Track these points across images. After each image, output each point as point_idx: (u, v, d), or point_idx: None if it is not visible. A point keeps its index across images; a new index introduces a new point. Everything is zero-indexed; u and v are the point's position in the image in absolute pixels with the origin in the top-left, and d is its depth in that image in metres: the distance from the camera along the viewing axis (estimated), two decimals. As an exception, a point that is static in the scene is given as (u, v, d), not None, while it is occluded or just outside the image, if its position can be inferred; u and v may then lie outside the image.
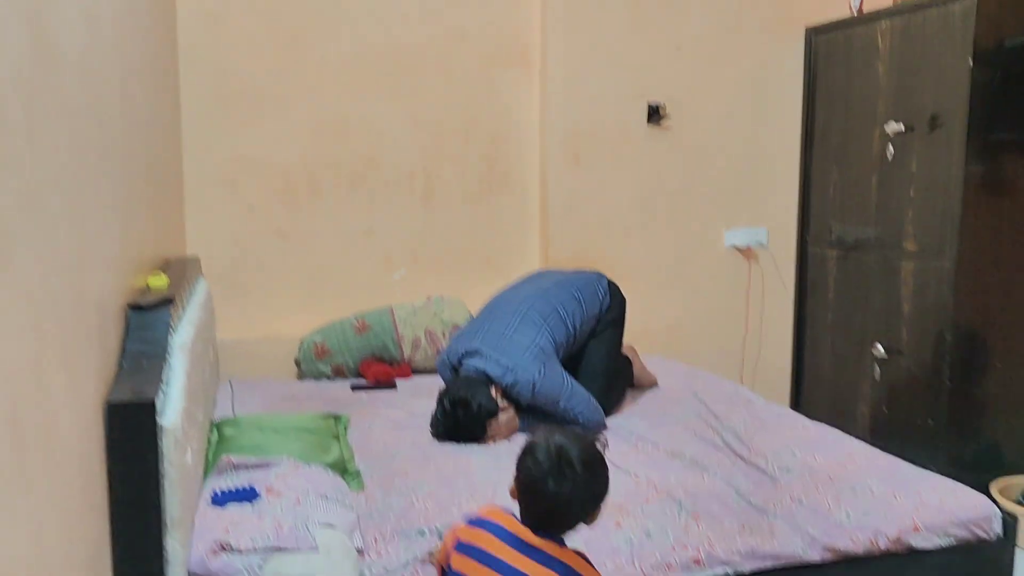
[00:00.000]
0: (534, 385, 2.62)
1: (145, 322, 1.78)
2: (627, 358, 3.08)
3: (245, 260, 3.51)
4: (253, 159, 3.47)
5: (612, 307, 3.00)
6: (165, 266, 2.54)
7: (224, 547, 1.70)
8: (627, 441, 2.59)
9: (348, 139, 3.55)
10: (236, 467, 2.17)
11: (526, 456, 1.57)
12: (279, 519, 1.86)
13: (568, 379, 2.71)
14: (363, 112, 3.55)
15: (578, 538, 1.88)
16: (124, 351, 1.73)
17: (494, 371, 2.65)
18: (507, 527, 1.58)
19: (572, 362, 2.85)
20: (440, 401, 2.63)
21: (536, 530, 1.55)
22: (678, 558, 1.83)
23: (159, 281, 2.13)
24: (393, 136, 3.60)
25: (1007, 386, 3.27)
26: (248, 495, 1.98)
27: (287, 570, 1.71)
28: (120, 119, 1.88)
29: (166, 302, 1.82)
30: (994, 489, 3.15)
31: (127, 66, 2.04)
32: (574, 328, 2.83)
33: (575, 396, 2.70)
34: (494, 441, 2.57)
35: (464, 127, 3.68)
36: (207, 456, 2.28)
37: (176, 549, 1.61)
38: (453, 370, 2.83)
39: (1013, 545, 2.07)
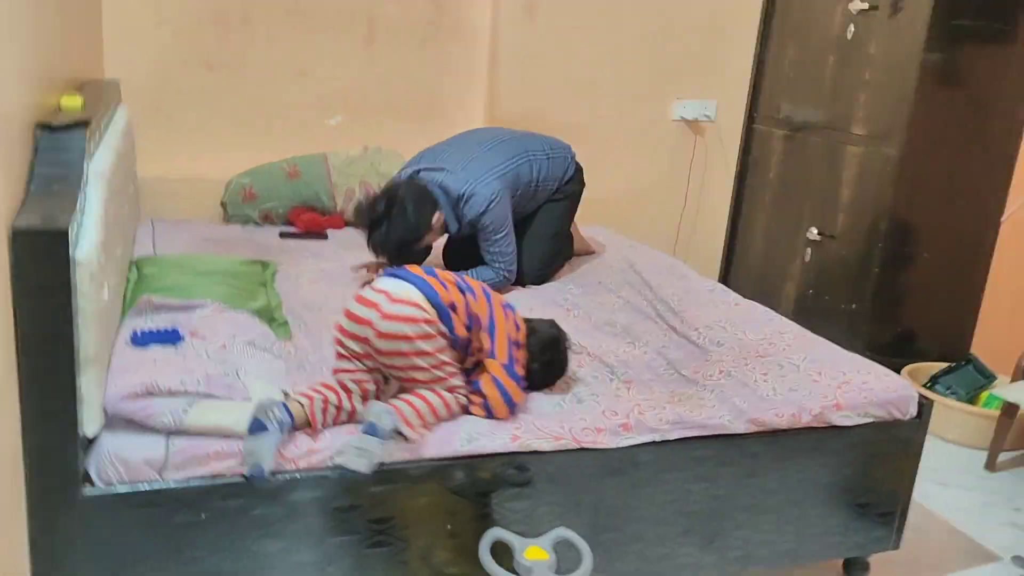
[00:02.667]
0: (490, 203, 2.60)
1: (57, 144, 1.62)
2: (570, 232, 3.03)
3: (168, 90, 3.27)
4: (179, -22, 3.17)
5: (575, 180, 2.96)
6: (80, 88, 2.33)
7: (150, 389, 1.62)
8: (561, 307, 2.57)
9: (282, -36, 3.26)
10: (157, 308, 2.07)
11: None
12: (206, 364, 1.78)
13: (511, 223, 2.69)
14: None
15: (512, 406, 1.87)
16: (32, 174, 1.57)
17: (453, 184, 2.61)
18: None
19: (521, 223, 2.79)
20: (379, 193, 2.56)
21: None
22: (607, 423, 1.84)
23: (73, 102, 1.94)
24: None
25: (930, 276, 3.36)
26: (171, 336, 1.89)
27: (213, 417, 1.66)
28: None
29: (81, 124, 1.65)
30: (905, 373, 3.28)
31: None
32: (536, 179, 2.78)
33: (510, 244, 2.68)
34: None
35: (412, -36, 3.42)
36: (125, 295, 2.17)
37: (91, 389, 1.53)
38: None
39: (926, 426, 2.15)
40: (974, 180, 3.30)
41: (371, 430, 1.64)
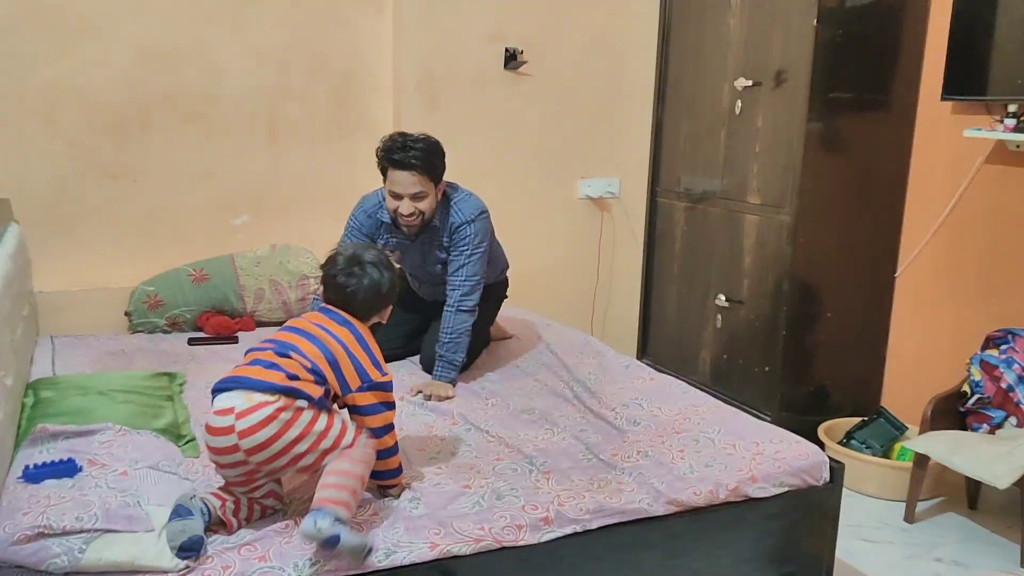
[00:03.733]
0: (481, 213, 2.68)
1: (-66, 281, 1.56)
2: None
3: (66, 202, 3.20)
4: (72, 88, 3.13)
5: (504, 284, 3.07)
6: (-35, 211, 2.26)
7: (43, 531, 1.54)
8: (479, 396, 2.56)
9: (182, 71, 3.27)
10: (54, 435, 1.98)
11: (327, 262, 1.97)
12: (105, 496, 1.71)
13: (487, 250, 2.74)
14: (198, 41, 3.27)
15: (430, 509, 1.84)
16: (-93, 315, 1.51)
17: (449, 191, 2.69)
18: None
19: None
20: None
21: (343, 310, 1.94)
22: (528, 519, 1.83)
23: (-46, 231, 1.88)
24: (233, 70, 3.34)
25: (835, 334, 3.48)
26: (67, 469, 1.81)
27: (111, 553, 1.58)
28: None
29: (-40, 257, 1.60)
30: (821, 431, 3.36)
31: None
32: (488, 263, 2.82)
33: (482, 267, 2.69)
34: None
35: (312, 64, 3.47)
36: (19, 424, 2.07)
37: (-24, 536, 1.44)
38: None
39: (840, 490, 2.20)
40: (866, 239, 3.45)
41: (330, 543, 1.60)
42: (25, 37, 3.05)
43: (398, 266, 2.67)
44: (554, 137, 3.85)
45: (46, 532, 1.55)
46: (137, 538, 1.60)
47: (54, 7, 3.06)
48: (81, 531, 1.56)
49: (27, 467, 1.78)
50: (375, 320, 2.00)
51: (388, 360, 2.78)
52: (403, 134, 2.60)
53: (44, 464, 1.80)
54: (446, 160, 2.65)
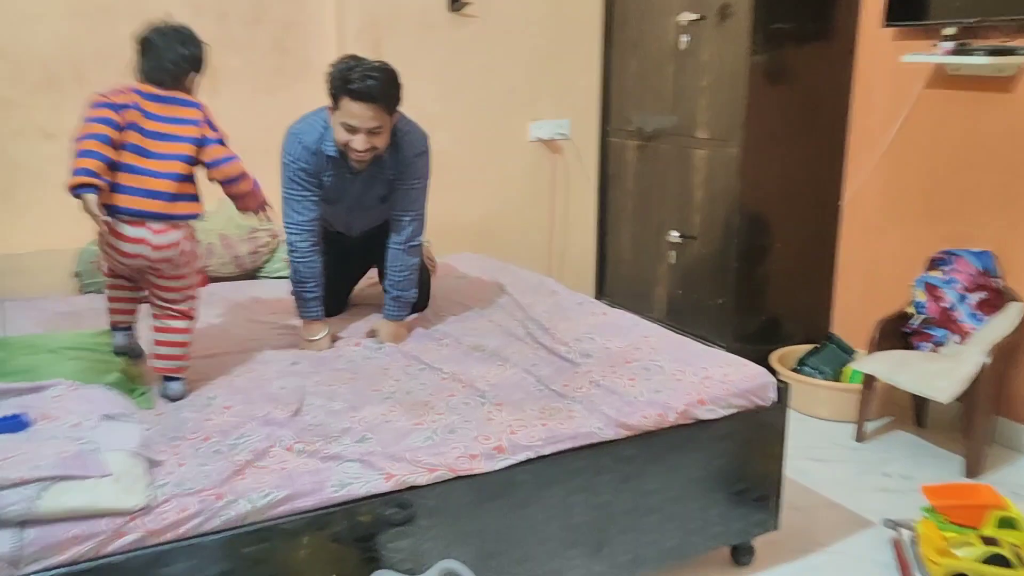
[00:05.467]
0: (428, 147, 2.55)
1: None
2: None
3: (4, 165, 3.12)
4: (3, 47, 3.04)
5: None
6: None
7: (-5, 483, 1.54)
8: (431, 338, 2.58)
9: (115, 23, 3.18)
10: (3, 393, 1.96)
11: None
12: (60, 445, 1.71)
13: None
14: (132, -7, 3.18)
15: (383, 445, 1.87)
16: None
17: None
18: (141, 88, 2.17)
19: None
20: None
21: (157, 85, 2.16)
22: (481, 448, 1.86)
23: None
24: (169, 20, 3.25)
25: (785, 264, 3.55)
26: (16, 424, 1.80)
27: (68, 500, 1.58)
28: None
29: None
30: (774, 359, 3.44)
31: None
32: None
33: (425, 202, 2.58)
34: None
35: (252, 13, 3.40)
36: (-30, 383, 2.05)
37: (-74, 491, 1.44)
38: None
39: (786, 409, 2.27)
40: (812, 170, 3.50)
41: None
42: (-52, -7, 2.95)
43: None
44: (502, 80, 3.83)
45: (0, 483, 1.55)
46: (94, 483, 1.61)
47: (-23, -39, 2.96)
48: (37, 480, 1.57)
49: (-24, 424, 1.77)
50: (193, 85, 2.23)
51: (337, 311, 2.80)
52: (357, 58, 2.35)
53: (-6, 420, 1.79)
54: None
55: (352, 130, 2.35)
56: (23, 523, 1.55)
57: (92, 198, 1.99)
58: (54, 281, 3.12)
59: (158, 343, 2.17)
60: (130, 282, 2.23)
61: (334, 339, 2.55)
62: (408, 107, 3.06)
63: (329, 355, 2.43)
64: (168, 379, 2.14)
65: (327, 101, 2.46)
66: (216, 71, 3.35)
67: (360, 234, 2.72)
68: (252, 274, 3.28)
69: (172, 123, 2.15)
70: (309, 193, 2.52)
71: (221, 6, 3.34)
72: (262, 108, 3.45)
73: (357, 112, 2.32)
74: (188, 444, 1.86)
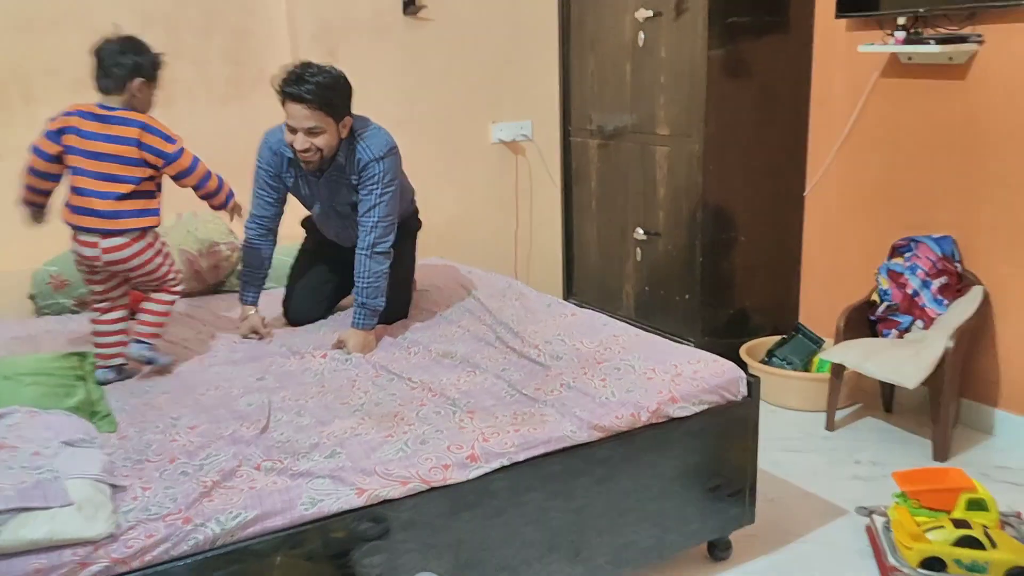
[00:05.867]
0: (390, 149, 2.58)
1: None
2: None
3: (-49, 187, 3.03)
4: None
5: (415, 214, 2.97)
6: None
7: (-50, 518, 1.49)
8: (400, 347, 2.56)
9: (63, 38, 3.11)
10: (-42, 424, 1.90)
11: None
12: (19, 476, 1.65)
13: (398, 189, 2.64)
14: (79, 5, 3.11)
15: (353, 460, 1.84)
16: None
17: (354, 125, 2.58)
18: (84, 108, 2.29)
19: None
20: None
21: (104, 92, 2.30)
22: (453, 458, 1.84)
23: None
24: (127, 33, 3.19)
25: (750, 257, 3.56)
26: (-28, 455, 1.74)
27: (29, 531, 1.53)
28: None
29: None
30: (743, 352, 3.46)
31: None
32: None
33: (394, 208, 2.60)
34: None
35: (202, 23, 3.35)
36: (-79, 415, 1.99)
37: None
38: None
39: (757, 402, 2.27)
40: (773, 162, 3.52)
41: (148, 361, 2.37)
42: None
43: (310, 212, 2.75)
44: (461, 82, 3.81)
45: (-46, 520, 1.50)
46: (54, 513, 1.56)
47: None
48: (-8, 513, 1.52)
49: (-71, 457, 1.71)
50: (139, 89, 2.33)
51: (313, 320, 2.79)
52: (306, 65, 2.47)
53: (-52, 452, 1.73)
54: (351, 95, 2.53)
55: (292, 130, 2.48)
56: (-18, 559, 1.49)
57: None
58: (8, 304, 3.04)
59: (141, 310, 2.44)
60: (111, 300, 2.43)
61: (265, 326, 2.70)
62: (367, 111, 3.04)
63: (296, 369, 2.39)
64: (138, 341, 2.37)
65: (282, 113, 2.52)
66: (170, 82, 3.30)
67: (350, 244, 2.70)
68: (214, 289, 3.22)
69: (109, 142, 2.27)
70: (266, 192, 2.69)
71: (171, 17, 3.28)
72: (217, 118, 3.40)
73: (293, 112, 2.45)
74: (153, 467, 1.81)
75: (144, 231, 2.34)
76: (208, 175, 2.43)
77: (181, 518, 1.61)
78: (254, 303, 2.72)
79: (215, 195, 2.47)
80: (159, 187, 2.41)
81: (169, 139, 2.34)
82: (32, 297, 3.03)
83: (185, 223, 3.20)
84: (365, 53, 3.56)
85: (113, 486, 1.70)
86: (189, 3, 3.30)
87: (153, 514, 1.63)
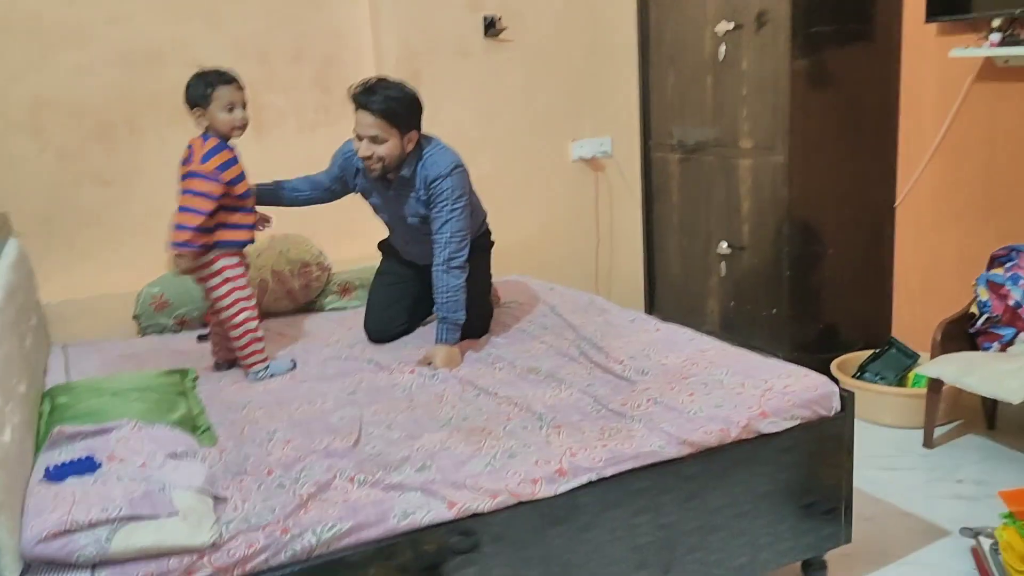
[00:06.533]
0: (455, 167, 2.63)
1: (-65, 293, 1.58)
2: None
3: (63, 212, 3.22)
4: (57, 99, 3.15)
5: (488, 234, 3.01)
6: (-37, 228, 2.29)
7: (70, 526, 1.57)
8: (485, 362, 2.58)
9: (164, 70, 3.27)
10: (71, 437, 2.00)
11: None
12: (128, 487, 1.74)
13: (468, 203, 2.71)
14: (178, 39, 3.28)
15: (443, 473, 1.86)
16: (-88, 328, 1.53)
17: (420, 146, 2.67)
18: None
19: None
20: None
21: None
22: (542, 472, 1.85)
23: (-48, 246, 1.91)
24: (215, 65, 3.34)
25: (839, 270, 3.48)
26: (86, 466, 1.83)
27: (138, 540, 1.60)
28: None
29: (-42, 268, 1.62)
30: (834, 366, 3.37)
31: None
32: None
33: (466, 221, 2.66)
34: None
35: (292, 52, 3.47)
36: (38, 429, 2.11)
37: (3, 536, 1.48)
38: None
39: (852, 418, 2.21)
40: (862, 172, 3.44)
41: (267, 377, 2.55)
42: (5, 50, 3.06)
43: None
44: (541, 101, 3.84)
45: (73, 527, 1.58)
46: (162, 523, 1.63)
47: (30, 17, 3.07)
48: (107, 521, 1.59)
49: (48, 468, 1.81)
50: (198, 117, 2.49)
51: (396, 337, 2.84)
52: (382, 79, 2.62)
53: (64, 463, 1.83)
54: (420, 114, 2.63)
55: (359, 137, 2.61)
56: (95, 564, 1.57)
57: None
58: (114, 324, 3.20)
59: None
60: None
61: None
62: (448, 132, 3.11)
63: (385, 384, 2.44)
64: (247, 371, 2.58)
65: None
66: (262, 110, 3.45)
67: (423, 263, 2.77)
68: (305, 308, 3.32)
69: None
70: (323, 173, 2.91)
71: (263, 47, 3.42)
72: (306, 145, 3.51)
73: (360, 119, 2.58)
74: (251, 479, 1.87)
75: (207, 249, 2.51)
76: (189, 212, 2.46)
77: (279, 528, 1.66)
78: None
79: (176, 228, 2.48)
80: (220, 208, 2.51)
81: (203, 159, 2.47)
82: (136, 317, 3.17)
83: (278, 244, 3.31)
84: (447, 75, 3.63)
85: (215, 497, 1.77)
86: (281, 34, 3.43)
87: (253, 524, 1.68)
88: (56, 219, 3.21)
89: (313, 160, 3.51)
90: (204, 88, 2.49)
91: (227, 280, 2.55)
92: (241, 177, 2.55)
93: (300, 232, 3.42)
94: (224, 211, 2.51)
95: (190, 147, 2.52)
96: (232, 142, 2.55)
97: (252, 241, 2.65)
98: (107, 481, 1.76)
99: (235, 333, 2.56)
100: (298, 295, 3.27)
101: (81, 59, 3.16)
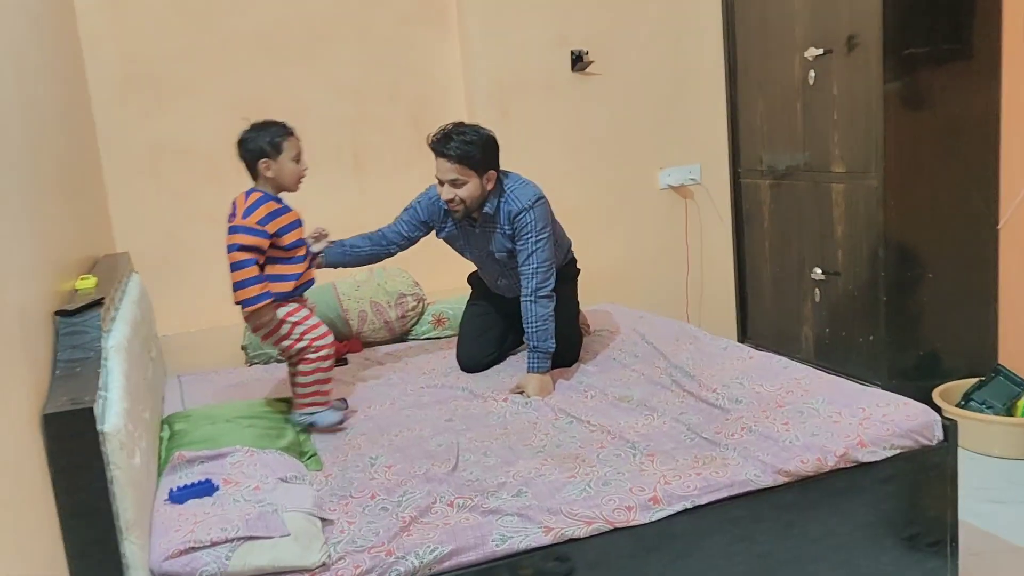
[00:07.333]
0: (536, 200, 2.70)
1: (75, 327, 1.74)
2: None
3: (178, 250, 3.44)
4: (174, 144, 3.38)
5: (573, 263, 3.08)
6: (94, 266, 2.47)
7: (193, 545, 1.69)
8: (576, 390, 2.62)
9: (269, 114, 3.45)
10: (190, 462, 2.14)
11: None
12: (244, 508, 1.85)
13: (551, 233, 2.76)
14: (281, 84, 3.48)
15: (539, 499, 1.91)
16: (56, 360, 1.68)
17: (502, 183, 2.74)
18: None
19: None
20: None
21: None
22: (636, 500, 1.87)
23: (87, 283, 2.08)
24: (316, 107, 3.53)
25: (938, 296, 3.38)
26: (206, 489, 1.96)
27: (255, 558, 1.71)
28: (19, 117, 1.81)
29: (94, 304, 1.77)
30: (936, 395, 3.27)
31: (20, 61, 1.95)
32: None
33: (550, 251, 2.71)
34: None
35: (388, 91, 3.63)
36: (160, 454, 2.25)
37: (134, 552, 1.60)
38: None
39: (955, 447, 2.15)
40: (961, 194, 3.35)
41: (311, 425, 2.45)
42: (128, 102, 3.31)
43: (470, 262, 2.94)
44: (628, 132, 3.89)
45: (196, 546, 1.69)
46: (275, 543, 1.72)
47: (152, 72, 3.32)
48: (226, 541, 1.70)
49: (171, 490, 1.94)
50: (266, 169, 2.46)
51: (487, 367, 2.91)
52: (457, 125, 2.70)
53: (185, 486, 1.95)
54: (497, 153, 2.71)
55: (440, 182, 2.70)
56: (215, 581, 1.67)
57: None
58: (224, 355, 3.38)
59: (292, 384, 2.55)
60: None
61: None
62: (536, 165, 3.19)
63: (480, 412, 2.51)
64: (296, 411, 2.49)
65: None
66: (362, 148, 3.61)
67: (512, 295, 2.86)
68: (402, 337, 3.43)
69: None
70: (402, 223, 2.92)
71: (360, 87, 3.58)
72: (401, 181, 3.64)
73: (438, 165, 2.68)
74: (356, 502, 1.96)
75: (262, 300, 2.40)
76: (239, 267, 2.41)
77: (384, 551, 1.74)
78: (326, 257, 2.84)
79: (235, 288, 2.43)
80: (270, 260, 2.46)
81: (245, 214, 2.42)
82: (244, 348, 3.34)
83: (376, 277, 3.45)
84: (535, 110, 3.72)
85: (323, 519, 1.86)
86: (376, 76, 3.59)
87: (359, 546, 1.76)
88: (171, 255, 3.42)
89: (407, 195, 3.64)
90: (273, 138, 2.46)
91: (294, 325, 2.47)
92: (292, 226, 2.48)
93: (395, 265, 3.55)
94: (269, 263, 2.45)
95: (234, 204, 2.48)
96: (284, 194, 2.54)
97: (305, 286, 2.55)
98: (224, 503, 1.88)
99: (306, 368, 2.46)
100: (395, 325, 3.38)
101: (196, 108, 3.39)
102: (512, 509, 1.85)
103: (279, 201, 2.48)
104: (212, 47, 3.38)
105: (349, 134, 3.59)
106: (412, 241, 2.94)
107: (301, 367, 2.48)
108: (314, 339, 2.48)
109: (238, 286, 2.39)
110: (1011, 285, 3.41)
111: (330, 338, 2.53)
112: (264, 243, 2.40)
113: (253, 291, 2.38)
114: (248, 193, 2.47)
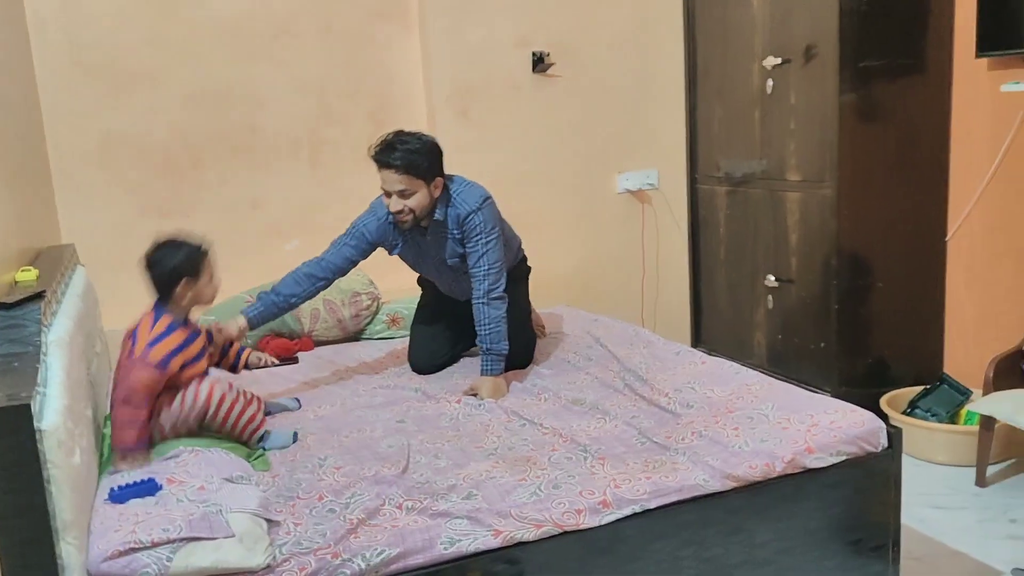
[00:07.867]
0: (484, 201, 2.67)
1: (13, 320, 1.68)
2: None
3: (127, 243, 3.34)
4: (127, 135, 3.31)
5: (524, 261, 3.06)
6: (36, 258, 2.41)
7: (133, 545, 1.64)
8: (530, 393, 2.62)
9: (228, 108, 3.42)
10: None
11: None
12: (187, 508, 1.81)
13: (501, 234, 2.73)
14: (241, 78, 3.43)
15: (489, 502, 1.90)
16: (-8, 354, 1.63)
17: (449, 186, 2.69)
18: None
19: None
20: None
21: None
22: (586, 503, 1.87)
23: (28, 275, 2.02)
24: (275, 102, 3.49)
25: (889, 304, 3.44)
26: (149, 488, 1.91)
27: (198, 560, 1.67)
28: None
29: (35, 297, 1.72)
30: (884, 402, 3.33)
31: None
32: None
33: (500, 252, 2.68)
34: None
35: (348, 88, 3.59)
36: (102, 451, 2.20)
37: (71, 554, 1.55)
38: None
39: (900, 454, 2.19)
40: (912, 205, 3.42)
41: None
42: (79, 91, 3.23)
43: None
44: (588, 135, 3.90)
45: (136, 546, 1.65)
46: (219, 544, 1.69)
47: (106, 61, 3.24)
48: (168, 541, 1.66)
49: (112, 489, 1.89)
50: (181, 298, 2.22)
51: (440, 368, 2.89)
52: (398, 133, 2.64)
53: (127, 485, 1.90)
54: (442, 159, 2.66)
55: (387, 193, 2.65)
56: (156, 583, 1.63)
57: None
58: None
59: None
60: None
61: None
62: (497, 166, 3.19)
63: (432, 413, 2.49)
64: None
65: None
66: (321, 144, 3.58)
67: (465, 298, 2.82)
68: (355, 336, 3.40)
69: None
70: (348, 248, 2.77)
71: (321, 82, 3.54)
72: (362, 176, 3.60)
73: (384, 177, 2.63)
74: (303, 503, 1.93)
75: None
76: (128, 407, 2.10)
77: (330, 553, 1.71)
78: (249, 316, 2.69)
79: (115, 427, 2.12)
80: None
81: (150, 344, 2.16)
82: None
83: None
84: (496, 111, 3.72)
85: (268, 520, 1.82)
86: (337, 71, 3.56)
87: (305, 548, 1.74)
88: (120, 249, 3.34)
89: (366, 192, 3.62)
90: (198, 256, 2.22)
91: (177, 418, 2.19)
92: (196, 359, 2.25)
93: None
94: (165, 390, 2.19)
95: (136, 326, 2.23)
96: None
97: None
98: (167, 503, 1.84)
99: (219, 424, 2.24)
100: (348, 324, 3.35)
101: (151, 99, 3.32)
102: (462, 512, 1.84)
103: (187, 326, 2.25)
104: (170, 36, 3.32)
105: (307, 129, 3.55)
106: (355, 264, 2.80)
107: (220, 427, 2.25)
108: (204, 403, 2.19)
109: (121, 425, 2.09)
110: (957, 297, 3.49)
111: (206, 383, 2.22)
112: (162, 381, 2.15)
113: (132, 437, 2.08)
114: (156, 316, 2.22)
